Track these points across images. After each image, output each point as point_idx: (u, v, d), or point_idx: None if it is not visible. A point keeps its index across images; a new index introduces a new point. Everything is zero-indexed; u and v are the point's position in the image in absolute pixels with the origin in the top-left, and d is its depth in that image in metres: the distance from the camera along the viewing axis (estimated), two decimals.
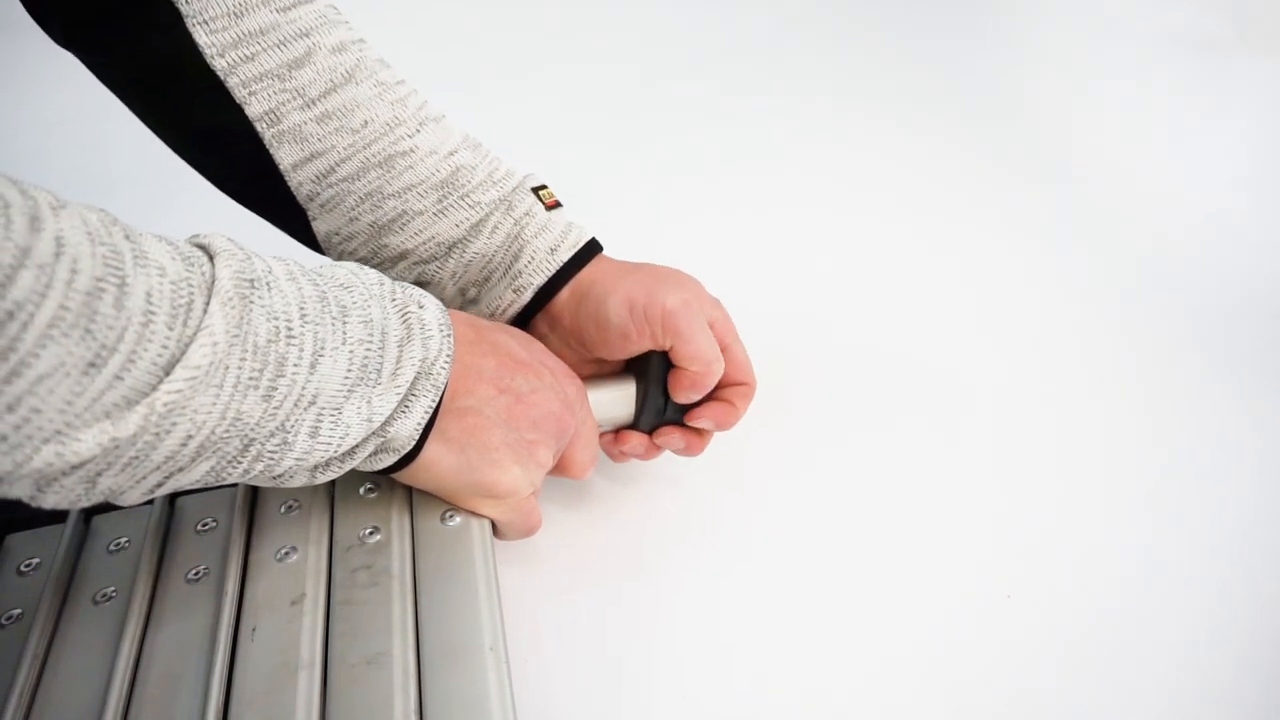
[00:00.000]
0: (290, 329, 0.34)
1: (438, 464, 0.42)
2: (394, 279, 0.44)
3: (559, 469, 0.48)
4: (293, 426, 0.35)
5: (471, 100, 0.94)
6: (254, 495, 0.45)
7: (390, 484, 0.45)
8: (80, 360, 0.28)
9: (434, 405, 0.40)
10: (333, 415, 0.36)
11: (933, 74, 1.04)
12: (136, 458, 0.31)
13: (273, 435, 0.35)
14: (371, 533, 0.43)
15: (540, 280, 0.49)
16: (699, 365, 0.48)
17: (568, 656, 0.46)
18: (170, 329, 0.31)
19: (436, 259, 0.49)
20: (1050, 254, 0.77)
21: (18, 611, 0.40)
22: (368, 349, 0.37)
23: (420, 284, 0.50)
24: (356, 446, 0.38)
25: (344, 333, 0.36)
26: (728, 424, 0.51)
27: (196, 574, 0.41)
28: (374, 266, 0.50)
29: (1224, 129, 0.95)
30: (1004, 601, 0.49)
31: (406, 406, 0.39)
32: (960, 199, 0.84)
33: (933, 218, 0.81)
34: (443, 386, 0.40)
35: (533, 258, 0.49)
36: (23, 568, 0.42)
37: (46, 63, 0.99)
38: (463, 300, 0.52)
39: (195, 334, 0.31)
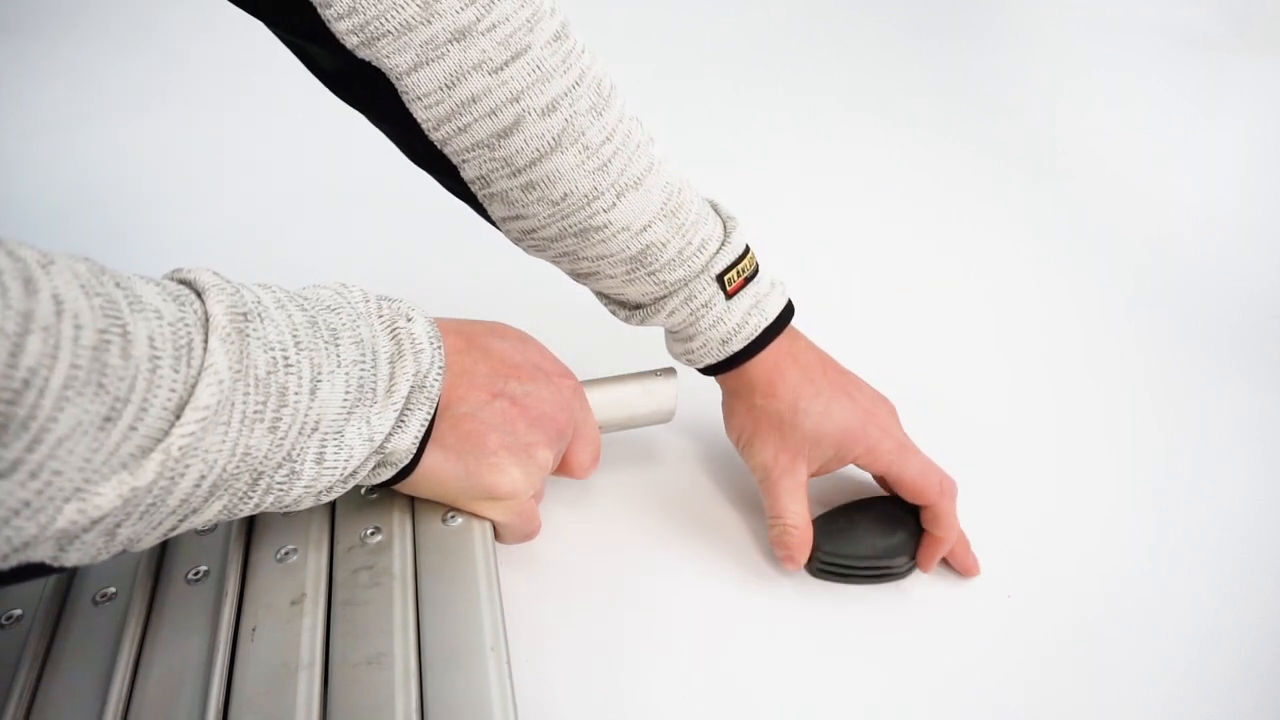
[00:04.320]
0: (287, 358, 0.34)
1: (437, 472, 0.42)
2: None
3: (561, 469, 0.48)
4: (299, 455, 0.35)
5: None
6: None
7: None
8: (96, 416, 0.28)
9: (429, 417, 0.40)
10: (336, 439, 0.36)
11: (935, 73, 1.04)
12: (154, 504, 0.31)
13: (280, 466, 0.35)
14: (373, 533, 0.43)
15: (710, 361, 0.51)
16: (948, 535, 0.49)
17: (569, 657, 0.46)
18: (176, 371, 0.30)
19: (625, 307, 0.51)
20: (1052, 252, 0.77)
21: (18, 612, 0.40)
22: (362, 370, 0.37)
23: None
24: (359, 466, 0.38)
25: (338, 356, 0.36)
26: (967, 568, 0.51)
27: (196, 574, 0.41)
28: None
29: (1226, 127, 0.95)
30: (1004, 601, 0.49)
31: (403, 421, 0.39)
32: (963, 197, 0.84)
33: (936, 215, 0.81)
34: (436, 398, 0.40)
35: (705, 344, 0.50)
36: None
37: (47, 62, 0.99)
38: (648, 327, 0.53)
39: (200, 373, 0.31)
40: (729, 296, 0.49)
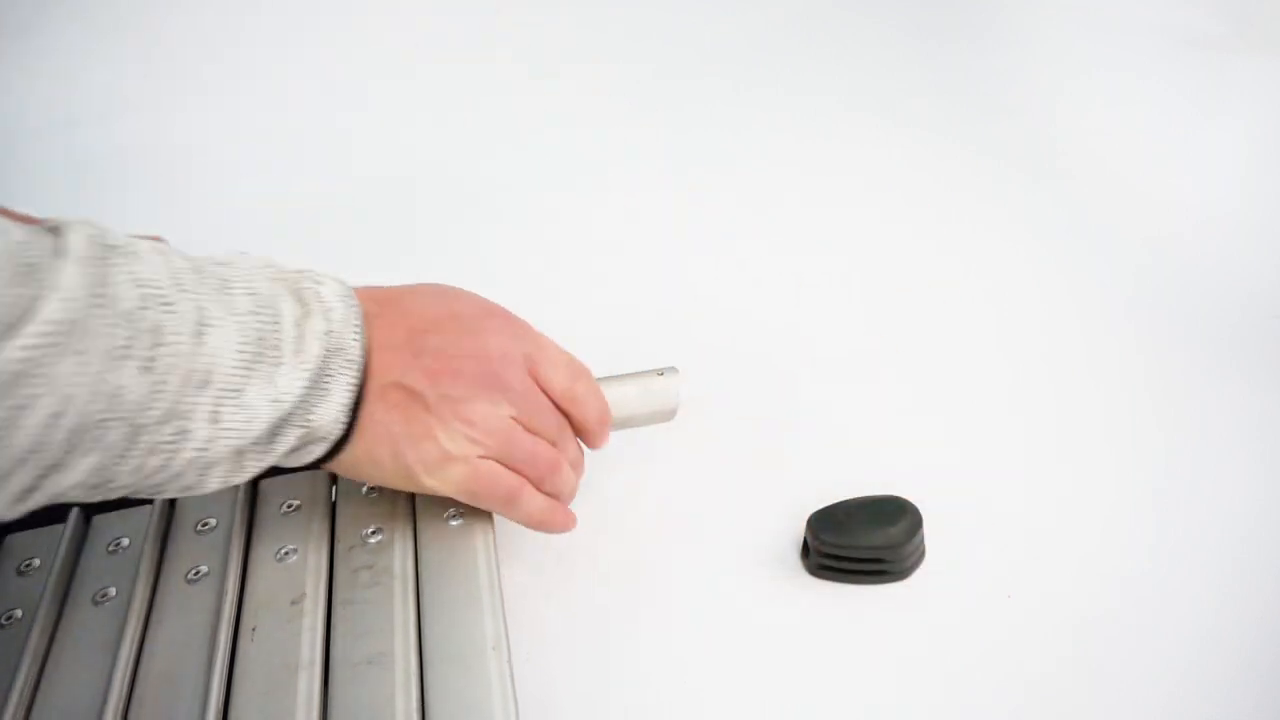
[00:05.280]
0: (164, 297, 0.32)
1: (372, 449, 0.39)
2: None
3: (565, 413, 0.45)
4: (187, 411, 0.33)
5: (482, 99, 0.95)
6: (254, 495, 0.45)
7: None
8: None
9: (355, 383, 0.38)
10: (234, 397, 0.34)
11: (935, 73, 1.04)
12: None
13: (165, 422, 0.32)
14: (373, 533, 0.43)
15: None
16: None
17: (570, 656, 0.46)
18: (15, 287, 0.28)
19: None
20: (1052, 252, 0.77)
21: (18, 612, 0.40)
22: (261, 323, 0.35)
23: None
24: (276, 435, 0.36)
25: (230, 305, 0.34)
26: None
27: (196, 574, 0.41)
28: None
29: (1226, 127, 0.95)
30: (1004, 601, 0.49)
31: (324, 388, 0.37)
32: (963, 197, 0.84)
33: (936, 216, 0.81)
34: (359, 361, 0.38)
35: None
36: (23, 568, 0.42)
37: (45, 63, 0.99)
38: None
39: (47, 291, 0.29)
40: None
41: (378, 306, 0.41)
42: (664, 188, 0.83)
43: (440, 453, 0.40)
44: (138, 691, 0.36)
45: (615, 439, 0.54)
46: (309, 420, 0.37)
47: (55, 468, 0.31)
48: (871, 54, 1.09)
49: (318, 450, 0.38)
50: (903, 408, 0.61)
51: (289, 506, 0.44)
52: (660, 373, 0.52)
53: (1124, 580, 0.51)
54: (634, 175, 0.85)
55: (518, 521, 0.45)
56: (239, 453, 0.35)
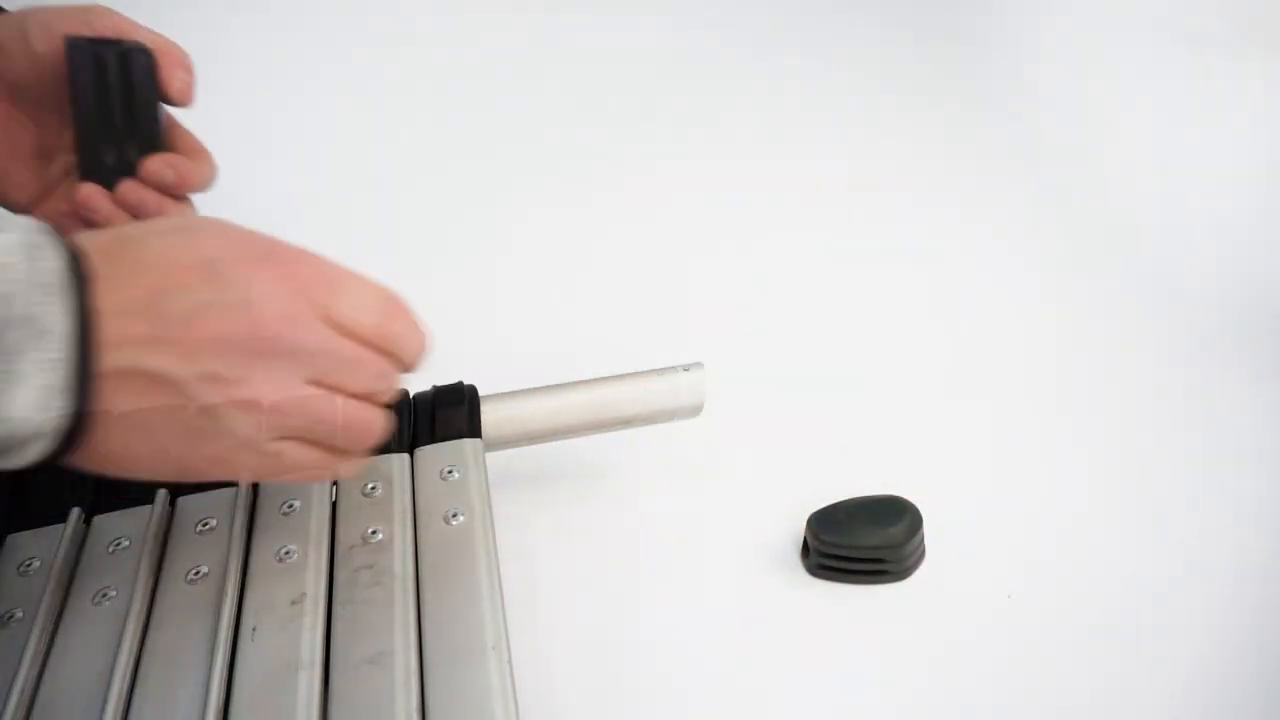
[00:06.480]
0: None
1: (123, 446, 0.32)
2: None
3: (382, 353, 0.36)
4: None
5: (484, 98, 0.94)
6: (254, 495, 0.45)
7: (393, 484, 0.45)
8: None
9: (59, 360, 0.29)
10: None
11: (934, 72, 1.04)
12: None
13: None
14: (374, 533, 0.43)
15: None
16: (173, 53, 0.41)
17: (570, 656, 0.46)
18: None
19: None
20: (1052, 252, 0.77)
21: (18, 612, 0.40)
22: None
23: None
24: None
25: None
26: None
27: (196, 574, 0.41)
28: None
29: (1226, 125, 0.95)
30: (1004, 601, 0.49)
31: (5, 372, 0.28)
32: (961, 198, 0.84)
33: (936, 215, 0.81)
34: (59, 330, 0.29)
35: None
36: (22, 567, 0.42)
37: None
38: None
39: None
40: None
41: (106, 261, 0.31)
42: (664, 188, 0.83)
43: (218, 448, 0.33)
44: (138, 691, 0.36)
45: (616, 438, 0.54)
46: None
47: None
48: (872, 54, 1.09)
49: (31, 452, 0.30)
50: (903, 408, 0.61)
51: (289, 506, 0.44)
52: (686, 368, 0.52)
53: (1124, 580, 0.51)
54: (634, 175, 0.85)
55: (335, 477, 0.39)
56: None
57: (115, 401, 0.31)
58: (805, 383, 0.63)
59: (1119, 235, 0.79)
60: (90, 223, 0.43)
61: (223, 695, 0.36)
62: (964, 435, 0.60)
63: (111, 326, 0.31)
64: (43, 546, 0.43)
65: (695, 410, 0.53)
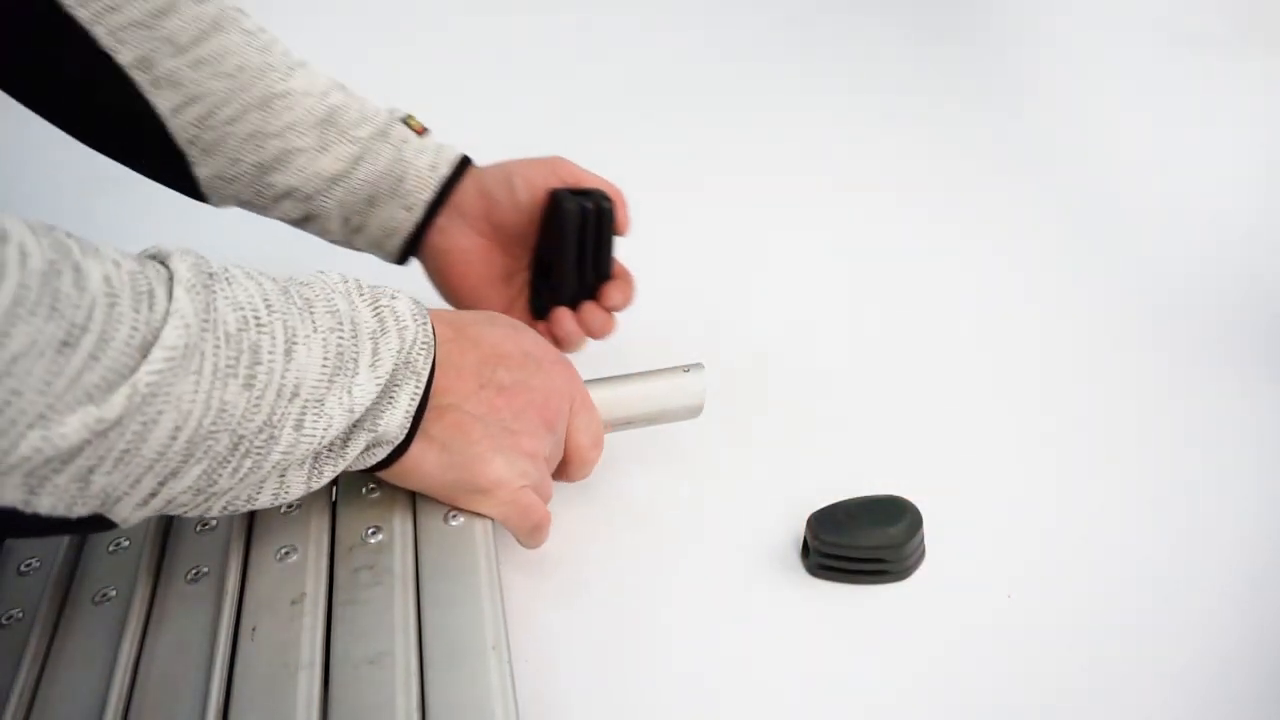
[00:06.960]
0: (259, 318, 0.35)
1: (423, 462, 0.42)
2: (281, 219, 0.50)
3: (560, 467, 0.48)
4: (279, 420, 0.35)
5: (485, 98, 0.94)
6: None
7: (392, 484, 0.45)
8: (52, 339, 0.28)
9: (419, 393, 0.40)
10: (316, 407, 0.36)
11: (935, 72, 1.04)
12: (128, 451, 0.31)
13: (260, 431, 0.35)
14: (374, 533, 0.43)
15: (429, 195, 0.53)
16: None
17: (570, 656, 0.46)
18: (137, 312, 0.31)
19: (321, 193, 0.52)
20: (1052, 253, 0.77)
21: (18, 612, 0.40)
22: (340, 338, 0.38)
23: (307, 219, 0.53)
24: (348, 441, 0.38)
25: (313, 322, 0.37)
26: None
27: (196, 574, 0.41)
28: (258, 208, 0.53)
29: (1227, 124, 0.95)
30: (1004, 601, 0.49)
31: (391, 397, 0.39)
32: (962, 198, 0.84)
33: (936, 216, 0.81)
34: (425, 374, 0.40)
35: (418, 176, 0.53)
36: (23, 568, 0.42)
37: None
38: (348, 230, 0.54)
39: (165, 317, 0.31)
40: (419, 134, 0.54)
41: (452, 331, 0.44)
42: (663, 188, 0.83)
43: (492, 478, 0.43)
44: (138, 691, 0.36)
45: (617, 438, 0.54)
46: (376, 425, 0.39)
47: (173, 475, 0.33)
48: (872, 55, 1.09)
49: (380, 453, 0.41)
50: (903, 408, 0.61)
51: (289, 507, 0.44)
52: (686, 369, 0.52)
53: (1124, 580, 0.51)
54: (633, 176, 0.85)
55: (527, 543, 0.47)
56: (315, 456, 0.38)
57: (435, 426, 0.42)
58: (805, 382, 0.63)
59: (1119, 235, 0.79)
60: (558, 339, 0.54)
61: (223, 695, 0.36)
62: (964, 435, 0.60)
63: (448, 377, 0.42)
64: (43, 546, 0.43)
65: (695, 410, 0.53)
